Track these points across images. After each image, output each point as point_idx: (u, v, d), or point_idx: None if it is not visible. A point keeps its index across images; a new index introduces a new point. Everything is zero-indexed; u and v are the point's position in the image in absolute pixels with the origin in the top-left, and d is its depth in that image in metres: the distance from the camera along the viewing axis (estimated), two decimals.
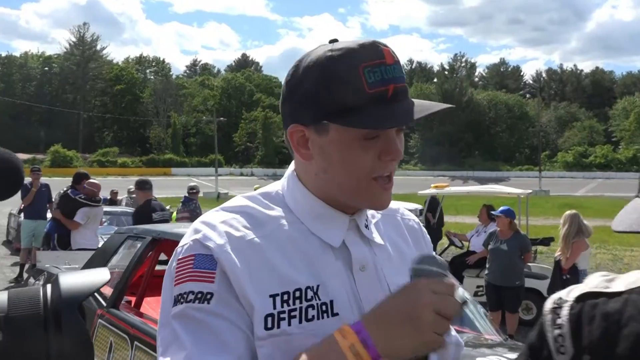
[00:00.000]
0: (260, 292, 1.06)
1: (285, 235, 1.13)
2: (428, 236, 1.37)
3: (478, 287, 8.41)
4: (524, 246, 7.51)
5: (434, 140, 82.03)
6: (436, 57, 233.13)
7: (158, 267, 4.82)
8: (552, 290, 7.25)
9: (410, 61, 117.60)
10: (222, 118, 68.29)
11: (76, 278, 1.00)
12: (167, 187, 33.60)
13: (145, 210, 8.04)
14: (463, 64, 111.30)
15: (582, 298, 1.09)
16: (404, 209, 1.36)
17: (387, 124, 1.09)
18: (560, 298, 1.13)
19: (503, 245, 7.43)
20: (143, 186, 8.45)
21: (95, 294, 4.25)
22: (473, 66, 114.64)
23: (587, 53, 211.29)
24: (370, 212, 1.25)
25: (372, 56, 1.09)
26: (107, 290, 4.46)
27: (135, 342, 3.86)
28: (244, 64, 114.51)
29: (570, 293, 1.12)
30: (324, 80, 1.09)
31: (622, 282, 1.09)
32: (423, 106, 1.11)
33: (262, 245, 1.11)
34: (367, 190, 1.13)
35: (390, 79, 1.09)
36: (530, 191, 12.75)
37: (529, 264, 8.36)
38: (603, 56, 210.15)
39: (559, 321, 1.10)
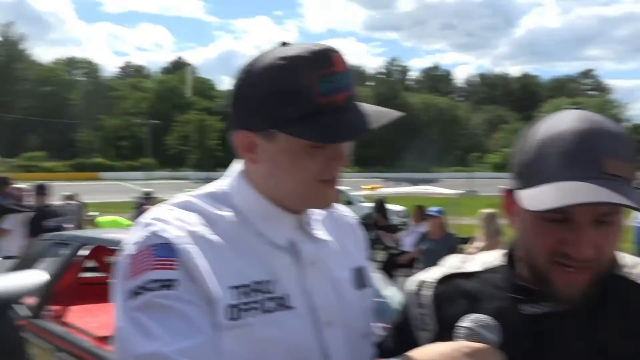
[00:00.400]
0: (221, 283, 1.07)
1: (236, 234, 1.14)
2: (362, 232, 1.40)
3: None
4: (453, 246, 7.67)
5: (367, 143, 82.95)
6: (372, 61, 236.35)
7: (86, 274, 4.68)
8: None
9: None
10: (154, 121, 66.94)
11: (6, 280, 0.96)
12: (96, 192, 32.58)
13: (39, 217, 7.87)
14: (397, 68, 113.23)
15: (442, 279, 1.19)
16: (340, 206, 1.38)
17: (339, 138, 1.09)
18: (422, 280, 1.21)
19: (434, 245, 7.56)
20: (40, 191, 8.28)
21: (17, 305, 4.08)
22: (406, 70, 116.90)
23: (516, 58, 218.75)
24: (312, 210, 1.26)
25: (324, 64, 1.08)
26: (30, 300, 4.30)
27: (60, 354, 3.73)
28: (179, 66, 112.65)
29: (431, 275, 1.21)
30: (274, 89, 1.08)
31: (477, 263, 1.19)
32: (374, 115, 1.12)
33: (217, 242, 1.11)
34: (313, 192, 1.15)
35: (342, 87, 1.09)
36: (461, 192, 13.12)
37: None
38: (531, 61, 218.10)
39: (421, 301, 1.19)
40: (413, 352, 0.97)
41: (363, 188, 12.89)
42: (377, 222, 12.71)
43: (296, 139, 1.08)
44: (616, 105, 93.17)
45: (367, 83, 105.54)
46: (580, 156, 0.94)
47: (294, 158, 1.11)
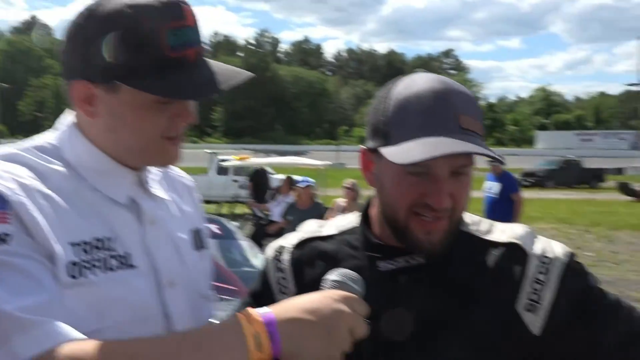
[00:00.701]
0: (60, 239, 0.99)
1: (72, 189, 1.06)
2: (198, 195, 1.36)
3: None
4: (321, 215, 7.72)
5: (237, 114, 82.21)
6: (241, 31, 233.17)
7: None
8: None
9: (216, 33, 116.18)
10: (5, 84, 61.75)
11: None
12: None
13: None
14: (268, 40, 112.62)
15: (300, 243, 1.24)
16: (176, 168, 1.31)
17: (188, 94, 1.05)
18: (281, 245, 1.26)
19: (302, 215, 7.53)
20: None
21: None
22: (277, 42, 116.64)
23: (383, 35, 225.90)
24: (149, 168, 1.20)
25: (174, 16, 1.02)
26: None
27: None
28: (32, 26, 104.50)
29: (289, 240, 1.26)
30: (120, 39, 1.01)
31: (333, 226, 1.25)
32: (224, 75, 1.07)
33: (52, 196, 1.02)
34: (157, 149, 1.09)
35: (192, 42, 1.05)
36: (329, 163, 13.37)
37: None
38: (397, 39, 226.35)
39: (280, 266, 1.23)
40: (285, 302, 0.95)
41: (233, 159, 12.72)
42: (251, 192, 12.63)
43: (142, 93, 1.02)
44: (473, 84, 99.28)
45: (237, 53, 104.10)
46: (439, 113, 1.02)
47: (139, 113, 1.05)
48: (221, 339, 0.89)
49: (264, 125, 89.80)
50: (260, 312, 0.91)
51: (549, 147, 68.21)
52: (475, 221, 1.17)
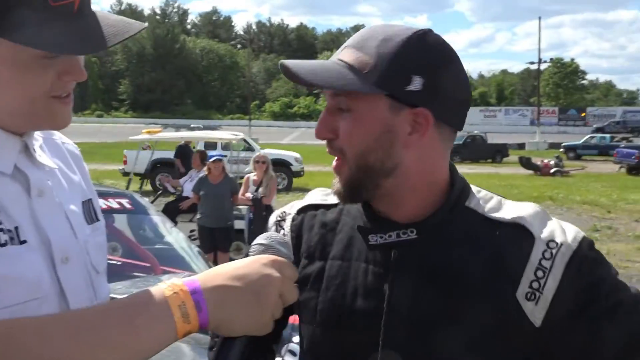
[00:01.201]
0: None
1: None
2: (85, 165, 1.27)
3: (191, 231, 8.54)
4: (233, 188, 7.86)
5: (145, 87, 79.59)
6: (147, 1, 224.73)
7: None
8: (255, 225, 7.94)
9: (119, 2, 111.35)
10: None
11: None
12: None
13: None
14: (175, 10, 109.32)
15: (303, 210, 1.19)
16: (61, 134, 1.21)
17: (75, 48, 0.95)
18: (284, 212, 1.21)
19: (214, 189, 7.66)
20: None
21: None
22: (185, 13, 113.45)
23: (293, 9, 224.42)
24: (35, 134, 1.09)
25: None
26: None
27: None
28: None
29: (293, 207, 1.22)
30: None
31: None
32: (115, 27, 0.98)
33: None
34: (44, 110, 0.98)
35: None
36: (242, 136, 13.09)
37: (239, 206, 8.68)
38: (307, 13, 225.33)
39: (281, 232, 1.18)
40: (211, 270, 0.93)
41: (143, 133, 12.37)
42: (178, 167, 12.27)
43: (23, 48, 0.91)
44: None
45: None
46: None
47: (20, 70, 0.94)
48: (145, 311, 0.84)
49: (174, 99, 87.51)
50: (185, 282, 0.88)
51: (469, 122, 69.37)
52: (483, 196, 1.08)
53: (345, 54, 1.01)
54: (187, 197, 9.29)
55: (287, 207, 1.22)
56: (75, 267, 1.05)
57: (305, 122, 76.73)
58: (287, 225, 1.19)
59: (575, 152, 36.07)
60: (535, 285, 0.97)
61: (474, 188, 1.09)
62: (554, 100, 79.29)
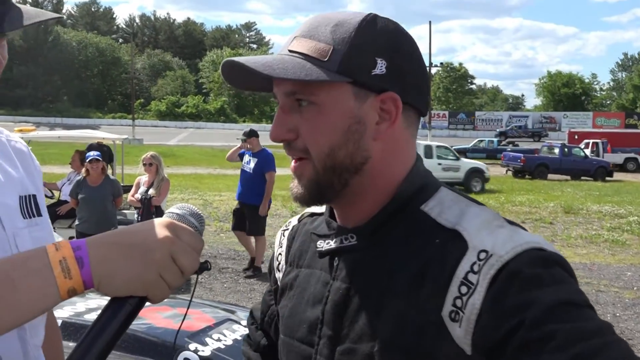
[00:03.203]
0: None
1: None
2: (37, 161, 1.32)
3: (70, 238, 7.70)
4: (115, 190, 7.39)
5: (14, 82, 72.32)
6: None
7: None
8: None
9: None
10: None
11: None
12: None
13: None
14: None
15: (301, 218, 1.16)
16: (10, 132, 1.28)
17: None
18: (290, 221, 1.20)
19: (93, 192, 7.20)
20: None
21: None
22: (60, 2, 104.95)
23: (180, 3, 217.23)
24: None
25: None
26: None
27: None
28: None
29: (299, 216, 1.18)
30: None
31: None
32: (29, 14, 1.02)
33: None
34: None
35: None
36: (125, 137, 12.76)
37: (124, 211, 8.64)
38: (194, 8, 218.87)
39: (281, 240, 1.18)
40: (129, 226, 0.91)
41: (15, 131, 10.85)
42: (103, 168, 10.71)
43: None
44: None
45: None
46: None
47: None
48: (23, 266, 0.82)
49: (48, 96, 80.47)
50: (72, 240, 0.86)
51: None
52: (448, 198, 0.92)
53: (296, 44, 0.92)
54: (65, 202, 8.87)
55: (295, 217, 1.19)
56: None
57: (193, 122, 73.34)
58: (287, 233, 1.16)
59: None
60: (458, 303, 0.82)
61: (444, 190, 0.96)
62: (444, 104, 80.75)
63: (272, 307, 1.17)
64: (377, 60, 0.89)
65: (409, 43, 0.93)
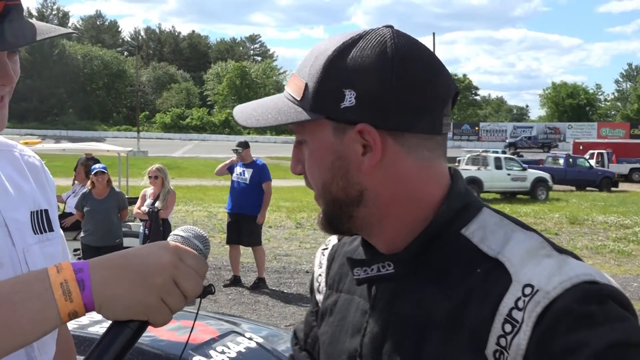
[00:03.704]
0: None
1: None
2: (50, 175, 1.31)
3: (75, 250, 7.86)
4: (120, 203, 7.36)
5: (20, 95, 72.70)
6: (24, 2, 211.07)
7: None
8: (152, 240, 7.28)
9: None
10: None
11: None
12: None
13: None
14: (54, 12, 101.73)
15: (341, 238, 1.13)
16: (24, 147, 1.28)
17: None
18: (330, 239, 1.16)
19: (99, 204, 7.17)
20: None
21: None
22: (66, 15, 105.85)
23: (185, 16, 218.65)
24: None
25: None
26: None
27: None
28: None
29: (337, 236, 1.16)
30: None
31: None
32: (41, 29, 1.01)
33: None
34: None
35: None
36: (130, 149, 12.95)
37: (129, 223, 8.66)
38: (199, 21, 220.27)
39: (321, 260, 1.15)
40: (132, 249, 0.91)
41: (20, 144, 10.09)
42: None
43: None
44: (282, 72, 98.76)
45: None
46: None
47: None
48: (25, 289, 0.81)
49: (53, 108, 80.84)
50: (74, 262, 0.85)
51: None
52: (492, 221, 0.87)
53: (289, 82, 0.93)
54: (70, 214, 8.80)
55: (335, 236, 1.13)
56: (9, 274, 1.03)
57: (198, 135, 73.44)
58: (326, 253, 1.13)
59: None
60: (502, 342, 0.77)
61: (487, 211, 0.90)
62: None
63: (315, 329, 1.13)
64: (345, 92, 0.85)
65: (391, 63, 0.85)
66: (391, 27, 0.90)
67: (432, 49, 0.92)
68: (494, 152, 29.35)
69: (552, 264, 0.78)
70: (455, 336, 0.81)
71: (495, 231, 0.86)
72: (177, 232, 0.94)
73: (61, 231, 1.25)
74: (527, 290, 0.76)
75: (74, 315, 0.81)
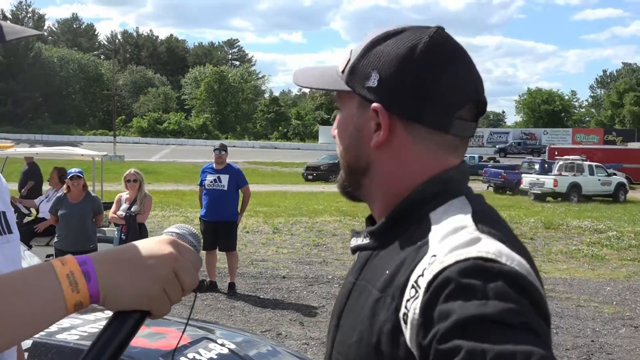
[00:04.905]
0: None
1: None
2: (4, 179, 1.34)
3: (48, 256, 7.74)
4: (96, 207, 7.27)
5: None
6: None
7: None
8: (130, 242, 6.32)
9: None
10: None
11: None
12: None
13: None
14: (29, 15, 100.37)
15: None
16: None
17: None
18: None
19: (74, 209, 7.08)
20: None
21: None
22: (41, 18, 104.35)
23: (163, 20, 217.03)
24: None
25: None
26: None
27: None
28: None
29: None
30: None
31: None
32: (11, 30, 1.02)
33: None
34: None
35: None
36: (105, 153, 12.65)
37: (104, 228, 8.55)
38: (177, 25, 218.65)
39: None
40: (131, 243, 0.93)
41: None
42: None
43: None
44: (261, 77, 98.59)
45: None
46: None
47: None
48: (32, 281, 0.82)
49: (28, 112, 79.74)
50: (77, 256, 0.88)
51: (332, 141, 69.38)
52: (459, 208, 0.90)
53: (344, 56, 1.04)
54: (43, 219, 8.75)
55: None
56: None
57: (175, 139, 72.96)
58: None
59: None
60: (408, 305, 0.81)
61: (462, 198, 0.94)
62: None
63: None
64: (372, 73, 0.95)
65: (421, 56, 0.93)
66: (441, 28, 0.98)
67: None
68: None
69: (464, 240, 0.81)
70: (384, 299, 0.88)
71: (453, 212, 0.90)
72: (172, 230, 0.98)
73: (17, 233, 1.27)
74: (432, 260, 0.80)
75: (79, 306, 0.83)
